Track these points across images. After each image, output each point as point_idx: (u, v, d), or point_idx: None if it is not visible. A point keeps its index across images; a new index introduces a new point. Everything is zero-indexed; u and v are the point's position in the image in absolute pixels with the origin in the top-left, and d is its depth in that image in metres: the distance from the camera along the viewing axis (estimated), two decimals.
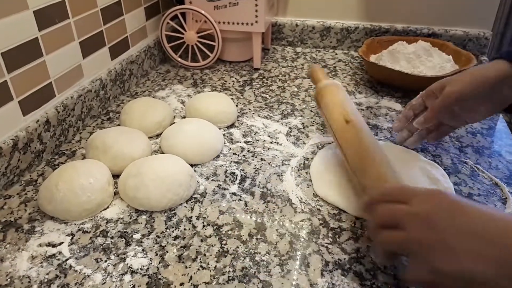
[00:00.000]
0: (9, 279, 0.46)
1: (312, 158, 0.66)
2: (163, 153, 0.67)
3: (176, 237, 0.52)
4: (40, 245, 0.50)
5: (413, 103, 0.64)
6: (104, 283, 0.45)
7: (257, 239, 0.51)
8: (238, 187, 0.60)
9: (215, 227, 0.53)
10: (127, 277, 0.46)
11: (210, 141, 0.66)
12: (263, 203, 0.57)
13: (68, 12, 0.69)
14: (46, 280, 0.46)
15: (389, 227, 0.40)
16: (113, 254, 0.49)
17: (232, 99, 0.82)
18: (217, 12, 0.93)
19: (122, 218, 0.55)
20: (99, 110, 0.79)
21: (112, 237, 0.52)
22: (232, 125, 0.76)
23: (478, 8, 1.00)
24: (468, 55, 0.88)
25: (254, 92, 0.88)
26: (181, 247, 0.50)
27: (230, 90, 0.89)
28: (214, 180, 0.62)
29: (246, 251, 0.50)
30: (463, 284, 0.34)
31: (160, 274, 0.47)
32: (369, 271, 0.47)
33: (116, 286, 0.45)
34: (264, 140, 0.71)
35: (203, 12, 0.91)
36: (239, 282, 0.46)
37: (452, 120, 0.61)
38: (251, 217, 0.55)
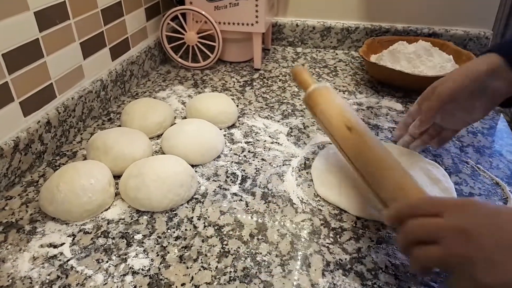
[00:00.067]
0: (10, 280, 0.46)
1: (313, 158, 0.66)
2: (164, 153, 0.67)
3: (177, 238, 0.52)
4: (41, 246, 0.50)
5: (410, 110, 0.63)
6: (106, 283, 0.45)
7: (258, 239, 0.51)
8: (239, 187, 0.60)
9: (216, 227, 0.53)
10: (129, 278, 0.46)
11: (210, 142, 0.66)
12: (264, 203, 0.57)
13: (68, 13, 0.69)
14: (47, 281, 0.46)
15: (422, 242, 0.38)
16: (114, 255, 0.49)
17: (232, 99, 0.83)
18: (218, 13, 0.93)
19: (123, 219, 0.55)
20: (100, 111, 0.79)
21: (113, 238, 0.52)
22: (232, 126, 0.76)
23: (479, 7, 1.00)
24: (469, 55, 0.88)
25: (254, 93, 0.88)
26: (182, 247, 0.50)
27: (230, 91, 0.89)
28: (215, 181, 0.62)
29: (247, 252, 0.50)
30: None
31: (161, 274, 0.47)
32: (370, 271, 0.47)
33: (117, 286, 0.45)
34: (265, 141, 0.71)
35: (203, 12, 0.92)
36: (240, 282, 0.46)
37: (450, 121, 0.61)
38: (252, 218, 0.55)
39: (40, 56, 0.64)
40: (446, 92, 0.56)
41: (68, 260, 0.48)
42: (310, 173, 0.63)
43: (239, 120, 0.78)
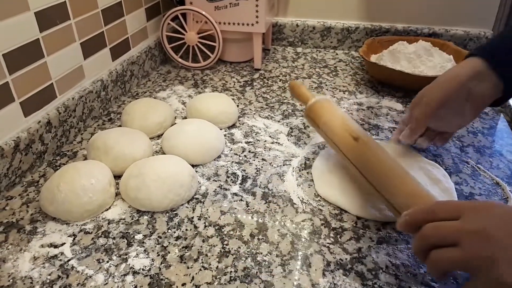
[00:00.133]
0: (11, 280, 0.46)
1: (313, 158, 0.66)
2: (164, 153, 0.67)
3: (177, 238, 0.52)
4: (42, 246, 0.50)
5: (403, 117, 0.64)
6: (106, 283, 0.46)
7: (258, 239, 0.51)
8: (240, 187, 0.60)
9: (216, 227, 0.53)
10: (129, 278, 0.46)
11: (211, 142, 0.66)
12: (265, 203, 0.57)
13: (69, 13, 0.69)
14: (48, 281, 0.46)
15: (438, 246, 0.38)
16: (115, 255, 0.49)
17: (233, 99, 0.83)
18: (218, 13, 0.93)
19: (124, 219, 0.55)
20: (100, 111, 0.79)
21: (113, 238, 0.52)
22: (233, 126, 0.76)
23: (479, 7, 1.00)
24: None
25: (255, 93, 0.88)
26: (182, 247, 0.50)
27: (231, 91, 0.89)
28: (216, 181, 0.62)
29: (247, 252, 0.50)
30: None
31: (162, 274, 0.47)
32: (370, 271, 0.47)
33: (118, 286, 0.45)
34: (265, 141, 0.71)
35: (203, 12, 0.92)
36: (241, 282, 0.46)
37: (442, 125, 0.61)
38: (252, 218, 0.55)
39: (40, 56, 0.64)
40: (434, 100, 0.56)
41: (69, 260, 0.48)
42: (311, 173, 0.63)
43: (239, 120, 0.78)
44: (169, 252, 0.50)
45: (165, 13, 0.94)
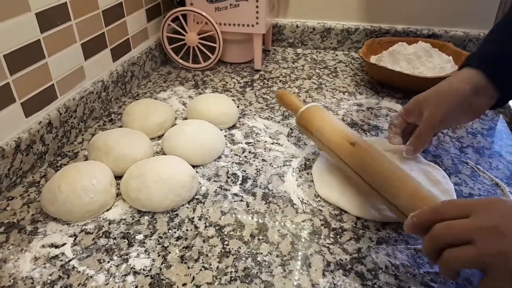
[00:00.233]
0: (12, 280, 0.46)
1: (313, 159, 0.66)
2: (165, 154, 0.67)
3: (178, 238, 0.52)
4: (43, 246, 0.51)
5: (394, 122, 0.63)
6: (107, 283, 0.46)
7: (259, 239, 0.52)
8: (240, 188, 0.61)
9: (217, 227, 0.53)
10: (130, 278, 0.46)
11: (211, 142, 0.66)
12: (265, 203, 0.57)
13: (69, 14, 0.69)
14: (49, 281, 0.46)
15: (450, 245, 0.38)
16: (116, 255, 0.49)
17: (233, 100, 0.83)
18: (218, 14, 0.93)
19: (125, 219, 0.55)
20: (101, 112, 0.80)
21: (114, 238, 0.52)
22: (233, 126, 0.76)
23: (478, 8, 1.00)
24: None
25: (255, 93, 0.89)
26: (183, 247, 0.50)
27: (231, 91, 0.90)
28: (216, 181, 0.62)
29: (248, 252, 0.50)
30: None
31: (162, 274, 0.47)
32: (370, 271, 0.47)
33: (119, 286, 0.45)
34: (265, 141, 0.72)
35: (204, 13, 0.92)
36: (241, 282, 0.46)
37: (436, 131, 0.62)
38: (252, 218, 0.55)
39: (41, 57, 0.64)
40: (438, 116, 0.56)
41: (70, 261, 0.49)
42: (311, 174, 0.63)
43: (239, 121, 0.78)
44: (169, 252, 0.50)
45: (166, 14, 0.95)
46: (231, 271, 0.47)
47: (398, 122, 0.63)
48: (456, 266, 0.38)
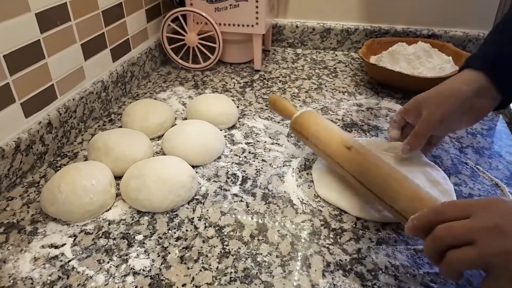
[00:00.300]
0: (12, 281, 0.46)
1: (313, 159, 0.66)
2: (164, 154, 0.67)
3: (178, 238, 0.52)
4: (42, 246, 0.51)
5: (394, 118, 0.63)
6: (107, 284, 0.46)
7: (258, 240, 0.52)
8: (240, 188, 0.61)
9: (216, 228, 0.53)
10: (130, 278, 0.46)
11: (211, 143, 0.66)
12: (265, 204, 0.57)
13: (69, 15, 0.69)
14: (48, 282, 0.46)
15: (452, 246, 0.38)
16: (116, 255, 0.49)
17: (233, 100, 0.83)
18: (218, 14, 0.93)
19: (124, 220, 0.55)
20: (100, 112, 0.80)
21: (114, 239, 0.52)
22: (233, 127, 0.76)
23: (478, 9, 1.00)
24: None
25: (255, 94, 0.89)
26: (183, 248, 0.50)
27: (231, 92, 0.90)
28: (216, 181, 0.62)
29: (247, 252, 0.50)
30: None
31: (162, 275, 0.47)
32: (370, 271, 0.47)
33: (118, 287, 0.45)
34: (265, 141, 0.72)
35: (204, 14, 0.92)
36: (241, 283, 0.46)
37: (436, 133, 0.61)
38: (252, 218, 0.55)
39: (41, 57, 0.64)
40: (436, 116, 0.56)
41: (69, 261, 0.49)
42: (310, 174, 0.63)
43: (239, 121, 0.78)
44: (169, 253, 0.50)
45: (166, 14, 0.95)
46: (231, 272, 0.47)
47: (398, 119, 0.63)
48: (459, 267, 0.38)
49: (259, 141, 0.72)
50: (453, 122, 0.57)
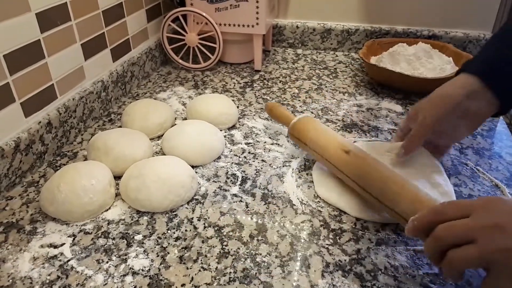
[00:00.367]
0: (10, 280, 0.46)
1: (313, 160, 0.66)
2: (164, 154, 0.67)
3: (177, 238, 0.52)
4: (41, 246, 0.51)
5: (401, 125, 0.63)
6: (106, 284, 0.46)
7: (258, 240, 0.52)
8: (239, 188, 0.60)
9: (216, 228, 0.53)
10: (129, 278, 0.46)
11: (211, 143, 0.66)
12: (264, 204, 0.57)
13: (70, 14, 0.69)
14: (47, 281, 0.46)
15: (452, 246, 0.38)
16: (115, 255, 0.49)
17: (233, 100, 0.83)
18: (218, 14, 0.93)
19: (124, 219, 0.55)
20: (100, 112, 0.80)
21: (113, 238, 0.52)
22: (233, 127, 0.76)
23: (479, 9, 1.00)
24: (468, 57, 0.88)
25: (255, 94, 0.89)
26: (182, 248, 0.50)
27: (231, 92, 0.90)
28: (215, 182, 0.62)
29: (247, 252, 0.50)
30: None
31: (161, 275, 0.47)
32: (369, 272, 0.47)
33: (117, 287, 0.45)
34: (265, 142, 0.72)
35: (204, 14, 0.92)
36: (240, 283, 0.46)
37: (439, 140, 0.61)
38: (252, 218, 0.55)
39: (41, 57, 0.64)
40: (429, 120, 0.56)
41: (69, 261, 0.49)
42: (310, 175, 0.63)
43: (239, 121, 0.78)
44: (168, 253, 0.50)
45: (166, 14, 0.95)
46: (230, 272, 0.47)
47: (403, 126, 0.63)
48: (460, 266, 0.38)
49: (259, 142, 0.72)
50: (448, 126, 0.57)
